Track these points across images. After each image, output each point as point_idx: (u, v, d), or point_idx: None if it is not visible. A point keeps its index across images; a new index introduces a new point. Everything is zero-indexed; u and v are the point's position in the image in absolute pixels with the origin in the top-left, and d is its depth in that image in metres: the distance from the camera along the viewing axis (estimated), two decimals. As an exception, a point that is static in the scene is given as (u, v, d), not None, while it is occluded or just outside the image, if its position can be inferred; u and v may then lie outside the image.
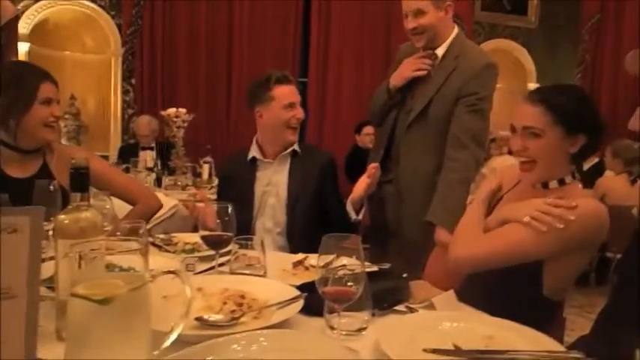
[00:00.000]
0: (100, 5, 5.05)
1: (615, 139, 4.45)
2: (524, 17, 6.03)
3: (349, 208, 1.86)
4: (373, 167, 1.83)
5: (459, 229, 1.45)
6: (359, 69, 5.44)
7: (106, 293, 0.69)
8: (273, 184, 1.99)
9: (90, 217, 0.87)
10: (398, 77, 2.09)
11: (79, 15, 5.02)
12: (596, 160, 4.94)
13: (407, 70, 2.06)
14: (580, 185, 1.44)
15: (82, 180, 0.87)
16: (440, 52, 2.04)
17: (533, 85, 6.08)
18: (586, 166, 4.95)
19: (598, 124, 1.35)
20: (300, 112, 1.98)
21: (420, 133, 2.03)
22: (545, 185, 1.37)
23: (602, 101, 5.76)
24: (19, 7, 1.18)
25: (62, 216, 0.88)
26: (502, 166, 1.53)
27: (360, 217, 1.86)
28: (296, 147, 2.00)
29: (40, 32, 4.78)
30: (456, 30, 2.06)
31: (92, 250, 0.75)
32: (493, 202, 1.50)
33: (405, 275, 1.28)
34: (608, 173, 4.69)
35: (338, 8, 5.45)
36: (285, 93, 1.95)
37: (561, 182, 1.35)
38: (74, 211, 0.88)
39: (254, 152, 2.02)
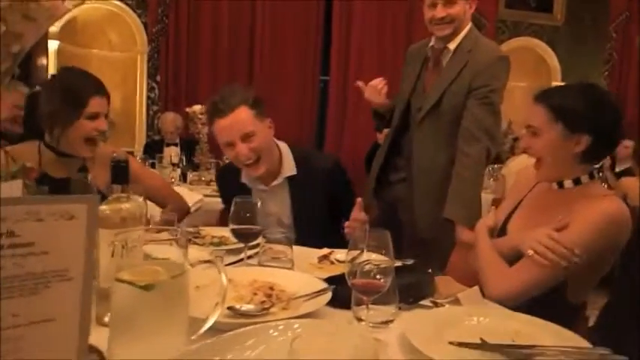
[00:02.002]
0: (126, 4, 5.14)
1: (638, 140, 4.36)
2: (549, 15, 5.94)
3: None
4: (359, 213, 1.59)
5: (482, 267, 1.38)
6: (380, 67, 5.43)
7: (150, 279, 0.73)
8: (273, 215, 1.78)
9: (130, 208, 0.91)
10: (375, 104, 2.21)
11: (107, 13, 5.12)
12: (629, 165, 4.86)
13: (375, 97, 2.19)
14: (601, 184, 1.42)
15: (122, 172, 0.91)
16: (452, 46, 2.06)
17: (557, 84, 5.99)
18: (617, 169, 4.87)
19: (607, 126, 1.30)
20: (241, 150, 1.63)
21: (432, 128, 2.05)
22: (560, 185, 1.36)
23: (630, 100, 5.65)
24: (69, 7, 1.18)
25: (104, 207, 0.93)
26: (518, 167, 1.54)
27: None
28: (292, 171, 1.76)
29: (68, 30, 4.88)
30: (469, 25, 2.08)
31: (133, 240, 0.79)
32: (511, 209, 1.50)
33: (429, 271, 1.30)
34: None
35: (359, 6, 5.45)
36: (219, 131, 1.66)
37: (577, 182, 1.34)
38: (115, 202, 0.92)
39: (244, 177, 1.79)
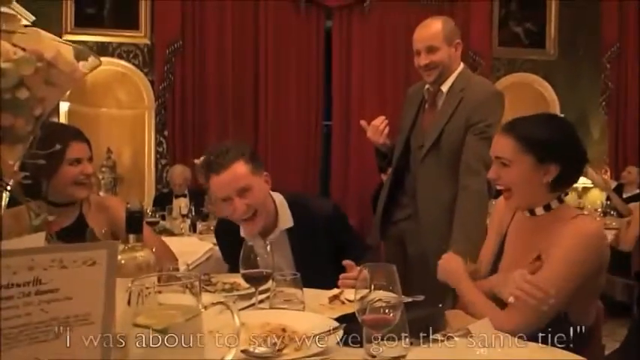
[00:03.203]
0: (133, 64, 5.36)
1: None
2: (542, 50, 6.10)
3: None
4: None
5: (473, 312, 1.37)
6: (381, 109, 5.55)
7: (165, 323, 0.75)
8: (276, 269, 1.63)
9: (145, 255, 0.95)
10: (378, 145, 2.28)
11: (114, 73, 5.33)
12: (637, 190, 4.87)
13: (377, 137, 2.24)
14: (569, 205, 1.46)
15: (136, 222, 0.95)
16: (445, 88, 2.15)
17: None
18: (625, 195, 4.89)
19: (574, 155, 1.35)
20: (238, 205, 1.60)
21: (434, 164, 2.11)
22: (532, 212, 1.39)
23: (629, 128, 5.70)
24: (86, 71, 1.21)
25: (119, 256, 0.96)
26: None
27: None
28: (289, 223, 1.73)
29: (78, 92, 5.07)
30: (461, 66, 2.18)
31: (147, 287, 0.82)
32: (494, 245, 1.52)
33: (440, 305, 1.31)
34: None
35: (358, 53, 5.63)
36: (215, 186, 1.63)
37: (547, 208, 1.37)
38: (130, 251, 0.96)
39: (243, 233, 1.72)
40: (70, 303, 0.58)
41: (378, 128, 2.23)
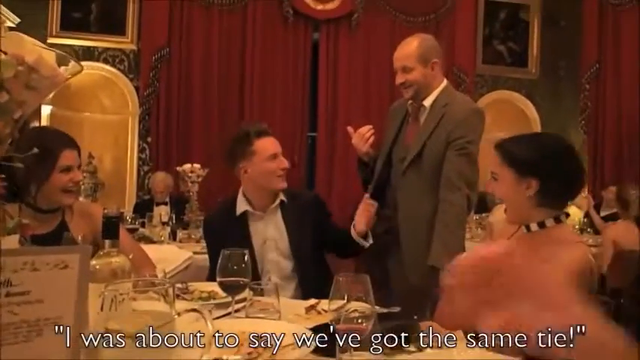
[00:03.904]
0: (119, 69, 5.34)
1: (621, 184, 4.48)
2: (525, 69, 6.24)
3: (357, 239, 2.01)
4: (367, 199, 2.04)
5: None
6: (367, 123, 5.59)
7: (137, 328, 0.75)
8: (270, 239, 2.02)
9: (120, 261, 0.95)
10: (361, 154, 2.33)
11: (99, 78, 5.30)
12: (614, 209, 4.97)
13: (361, 145, 2.28)
14: (566, 227, 1.49)
15: (113, 228, 0.95)
16: (427, 102, 2.19)
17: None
18: (603, 214, 4.99)
19: (554, 171, 1.40)
20: (284, 162, 2.04)
21: (415, 178, 2.14)
22: (528, 228, 1.44)
23: (607, 146, 5.83)
24: (68, 76, 1.20)
25: (94, 261, 0.96)
26: (503, 214, 1.67)
27: (371, 240, 2.03)
28: (282, 197, 2.06)
29: (61, 95, 5.02)
30: (444, 82, 2.23)
31: (121, 293, 0.82)
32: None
33: (415, 317, 1.32)
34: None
35: (345, 67, 5.69)
36: (267, 145, 2.02)
37: (542, 225, 1.41)
38: (105, 256, 0.96)
39: (244, 206, 2.04)
40: (42, 306, 0.58)
41: (363, 136, 2.26)
